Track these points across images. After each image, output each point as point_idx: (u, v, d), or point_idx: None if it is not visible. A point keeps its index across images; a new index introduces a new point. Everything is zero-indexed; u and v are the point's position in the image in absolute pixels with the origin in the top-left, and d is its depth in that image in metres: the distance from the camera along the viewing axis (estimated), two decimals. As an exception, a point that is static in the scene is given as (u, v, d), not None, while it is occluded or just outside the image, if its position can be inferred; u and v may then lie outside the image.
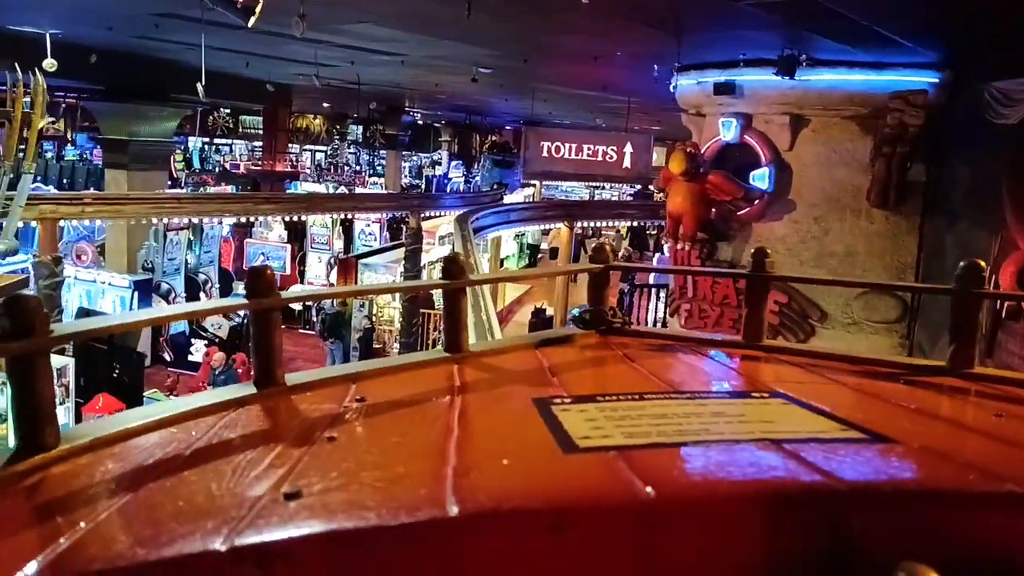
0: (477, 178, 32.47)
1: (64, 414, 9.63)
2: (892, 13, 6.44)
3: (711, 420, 1.30)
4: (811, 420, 1.32)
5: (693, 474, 1.08)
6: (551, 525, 0.92)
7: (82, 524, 0.90)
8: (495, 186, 25.71)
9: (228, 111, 39.51)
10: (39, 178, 26.25)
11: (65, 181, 26.08)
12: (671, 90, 11.11)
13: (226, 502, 0.94)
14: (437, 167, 38.67)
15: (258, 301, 1.39)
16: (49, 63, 12.08)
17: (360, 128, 33.18)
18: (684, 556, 0.97)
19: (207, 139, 42.36)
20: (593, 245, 2.27)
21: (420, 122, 33.28)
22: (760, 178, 9.34)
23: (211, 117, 42.18)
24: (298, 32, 7.25)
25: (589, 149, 14.95)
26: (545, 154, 15.10)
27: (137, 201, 11.95)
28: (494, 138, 36.73)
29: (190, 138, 38.97)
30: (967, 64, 8.03)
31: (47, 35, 11.84)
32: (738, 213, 9.58)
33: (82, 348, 10.70)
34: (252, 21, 5.77)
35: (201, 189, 18.70)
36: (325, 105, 32.41)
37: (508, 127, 37.58)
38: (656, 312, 15.07)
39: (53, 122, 27.92)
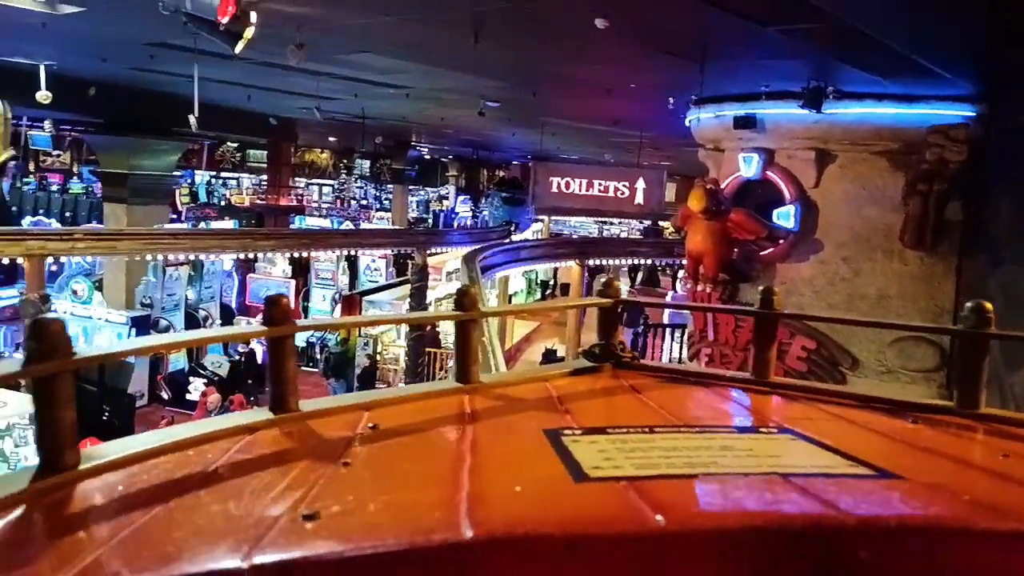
0: (485, 213, 32.01)
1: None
2: (931, 40, 5.95)
3: (720, 453, 1.31)
4: (818, 455, 1.33)
5: (702, 505, 1.10)
6: (563, 551, 0.93)
7: (103, 542, 0.92)
8: (505, 224, 24.85)
9: (236, 145, 39.53)
10: (41, 212, 26.08)
11: (68, 214, 25.81)
12: (687, 124, 10.65)
13: (245, 522, 0.97)
14: (444, 201, 38.37)
15: (275, 328, 1.42)
16: (43, 95, 11.74)
17: (367, 162, 32.95)
18: None
19: (214, 172, 42.42)
20: (602, 280, 2.26)
21: (427, 156, 33.02)
22: (784, 216, 8.80)
23: (218, 151, 42.19)
24: (295, 61, 6.82)
25: (600, 185, 14.49)
26: (555, 189, 14.64)
27: (132, 237, 11.50)
28: (502, 173, 36.04)
29: (197, 172, 39.00)
30: (1005, 96, 7.53)
31: (41, 67, 11.51)
32: (761, 253, 9.03)
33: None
34: (240, 47, 5.33)
35: (202, 224, 18.26)
36: (331, 139, 32.23)
37: (516, 162, 37.29)
38: (671, 352, 14.46)
39: (48, 153, 27.82)
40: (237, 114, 16.90)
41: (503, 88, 10.71)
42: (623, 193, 14.38)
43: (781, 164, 8.93)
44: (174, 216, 21.34)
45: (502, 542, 0.92)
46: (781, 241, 8.85)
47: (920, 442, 1.51)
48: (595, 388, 1.87)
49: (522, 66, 9.37)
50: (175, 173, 18.93)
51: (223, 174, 42.18)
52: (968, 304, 1.65)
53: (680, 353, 14.63)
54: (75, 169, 32.20)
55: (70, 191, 29.92)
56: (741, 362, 9.22)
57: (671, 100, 9.94)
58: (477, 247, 15.16)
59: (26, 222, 22.94)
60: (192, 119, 8.90)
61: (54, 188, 31.06)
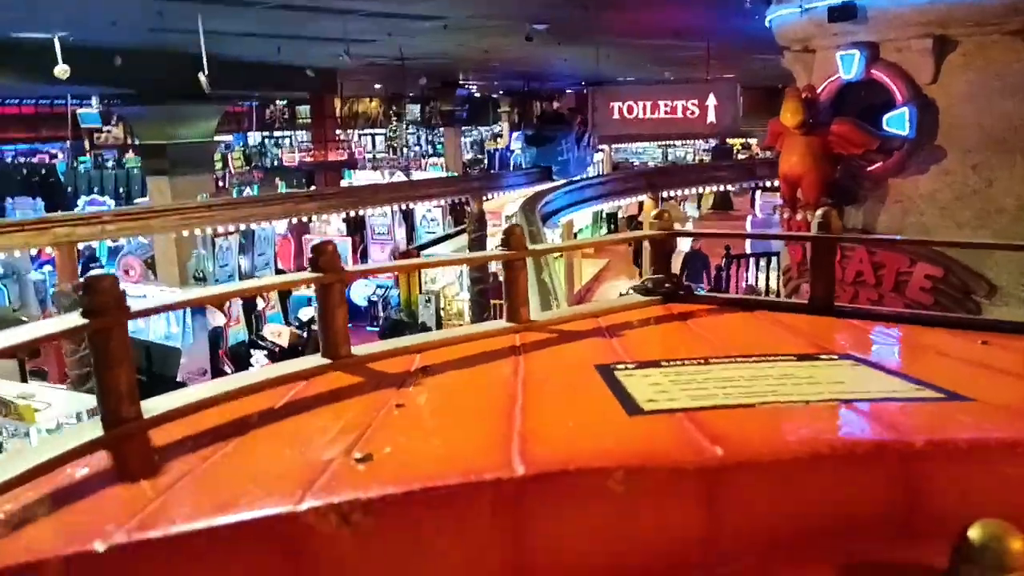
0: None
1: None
2: None
3: (779, 382, 1.28)
4: (883, 380, 1.31)
5: (762, 434, 1.06)
6: (619, 484, 0.92)
7: (163, 489, 0.95)
8: (535, 168, 19.84)
9: (284, 102, 38.84)
10: (96, 190, 25.92)
11: (121, 190, 25.59)
12: (766, 25, 9.19)
13: (299, 466, 0.97)
14: (499, 140, 37.00)
15: (323, 275, 1.43)
16: (61, 69, 10.95)
17: (417, 107, 31.80)
18: (754, 516, 0.96)
19: (267, 133, 41.97)
20: (653, 213, 2.09)
21: (477, 95, 31.64)
22: (896, 122, 7.38)
23: (268, 110, 41.63)
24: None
25: (666, 106, 13.07)
26: (616, 116, 13.28)
27: (164, 213, 10.76)
28: (543, 106, 32.86)
29: (249, 133, 38.53)
30: None
31: (55, 39, 10.72)
32: (869, 169, 7.66)
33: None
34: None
35: (246, 189, 17.56)
36: (377, 87, 31.12)
37: (570, 90, 35.55)
38: (758, 285, 13.15)
39: (99, 129, 27.47)
40: (270, 69, 16.01)
41: (550, 5, 9.40)
42: (693, 113, 12.93)
43: (889, 60, 7.45)
44: (222, 184, 20.69)
45: (555, 478, 0.92)
46: (894, 152, 7.46)
47: (991, 363, 1.46)
48: (648, 322, 1.84)
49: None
50: (216, 139, 18.20)
51: (276, 133, 41.81)
52: None
53: (769, 285, 13.33)
54: (129, 142, 32.02)
55: (125, 165, 29.72)
56: (851, 298, 7.97)
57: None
58: (536, 190, 13.98)
59: (81, 202, 22.74)
60: (203, 78, 7.95)
61: (110, 164, 30.98)
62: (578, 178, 18.12)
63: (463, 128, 32.07)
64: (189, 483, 0.97)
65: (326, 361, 1.43)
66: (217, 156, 27.45)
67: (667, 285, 1.98)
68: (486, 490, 0.90)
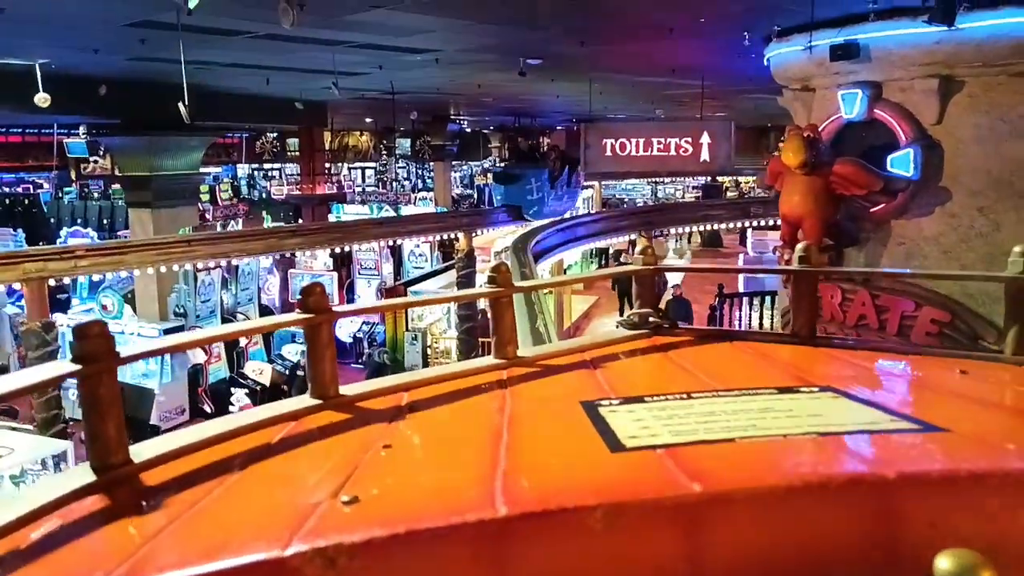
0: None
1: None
2: None
3: (759, 416, 1.28)
4: (861, 412, 1.32)
5: (739, 469, 1.07)
6: (598, 521, 0.92)
7: (152, 535, 0.96)
8: (505, 209, 17.94)
9: (275, 135, 38.68)
10: (79, 221, 25.48)
11: (105, 221, 25.18)
12: (765, 63, 9.03)
13: (288, 509, 0.98)
14: (489, 175, 36.92)
15: (311, 316, 1.46)
16: (41, 98, 10.63)
17: (408, 141, 31.68)
18: (732, 550, 0.96)
19: (256, 165, 41.71)
20: (638, 248, 2.21)
21: (468, 130, 31.57)
22: (901, 163, 7.18)
23: (258, 142, 41.42)
24: (287, 23, 5.50)
25: (659, 143, 12.88)
26: (609, 153, 13.08)
27: (139, 248, 10.37)
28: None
29: (238, 165, 38.26)
30: None
31: (36, 66, 10.44)
32: (872, 210, 7.44)
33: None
34: (193, 2, 4.02)
35: (231, 223, 17.20)
36: (368, 120, 31.02)
37: (560, 127, 35.54)
38: (753, 325, 12.88)
39: (86, 160, 27.13)
40: (258, 101, 15.74)
41: (546, 40, 9.22)
42: (686, 151, 12.75)
43: (892, 99, 7.28)
44: (209, 217, 20.32)
45: (535, 517, 0.92)
46: (898, 193, 7.23)
47: (968, 393, 1.48)
48: (634, 356, 1.85)
49: (568, 8, 7.86)
50: (203, 171, 17.88)
51: (266, 166, 41.53)
52: (1016, 248, 1.72)
53: (763, 324, 13.06)
54: (116, 173, 31.63)
55: (111, 196, 29.33)
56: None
57: (747, 36, 8.33)
58: (526, 230, 13.69)
59: (64, 233, 22.32)
60: (183, 108, 7.65)
61: (95, 196, 30.57)
62: (568, 215, 17.85)
63: (453, 163, 31.94)
64: (178, 528, 0.98)
65: (315, 401, 1.45)
66: (205, 188, 27.14)
67: (652, 319, 2.01)
68: (468, 531, 0.90)
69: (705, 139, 12.71)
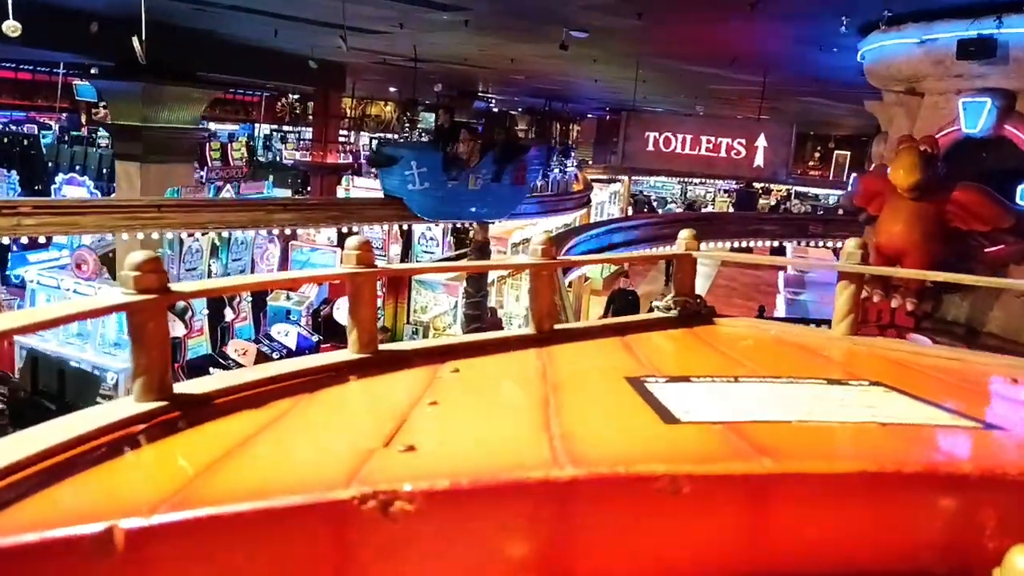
0: (556, 170, 28.51)
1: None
2: None
3: (812, 403, 1.26)
4: (917, 408, 1.29)
5: (808, 449, 1.05)
6: (665, 488, 0.91)
7: (203, 468, 0.95)
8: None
9: (296, 96, 37.28)
10: (77, 168, 24.15)
11: (105, 171, 23.77)
12: (859, 59, 7.51)
13: (341, 453, 0.99)
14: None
15: (359, 270, 1.52)
16: (10, 25, 9.24)
17: (433, 115, 30.26)
18: (799, 530, 0.94)
19: (276, 126, 40.36)
20: (683, 233, 2.18)
21: (495, 109, 30.07)
22: (1036, 195, 5.69)
23: (279, 103, 39.99)
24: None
25: (709, 142, 11.39)
26: (651, 147, 11.61)
27: (100, 210, 8.98)
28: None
29: (256, 125, 36.90)
30: None
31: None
32: (988, 251, 5.95)
33: (20, 410, 7.85)
34: None
35: (227, 187, 15.85)
36: (392, 90, 29.51)
37: (591, 115, 33.94)
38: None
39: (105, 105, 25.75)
40: (268, 55, 14.32)
41: (596, 9, 7.71)
42: (738, 153, 11.26)
43: (1031, 114, 5.81)
44: (202, 174, 18.90)
45: (604, 480, 0.91)
46: (1029, 233, 5.74)
47: (1020, 394, 1.45)
48: (672, 339, 1.88)
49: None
50: (212, 127, 16.50)
51: (284, 128, 40.17)
52: None
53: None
54: (108, 120, 30.23)
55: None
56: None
57: (845, 21, 6.80)
58: (554, 223, 12.19)
59: (59, 180, 21.04)
60: (136, 43, 6.22)
61: (101, 144, 29.21)
62: (605, 219, 16.29)
63: (477, 143, 30.43)
64: (229, 464, 0.97)
65: (356, 356, 1.50)
66: (216, 146, 25.72)
67: (689, 304, 2.02)
68: (534, 489, 0.89)
69: (761, 142, 11.21)
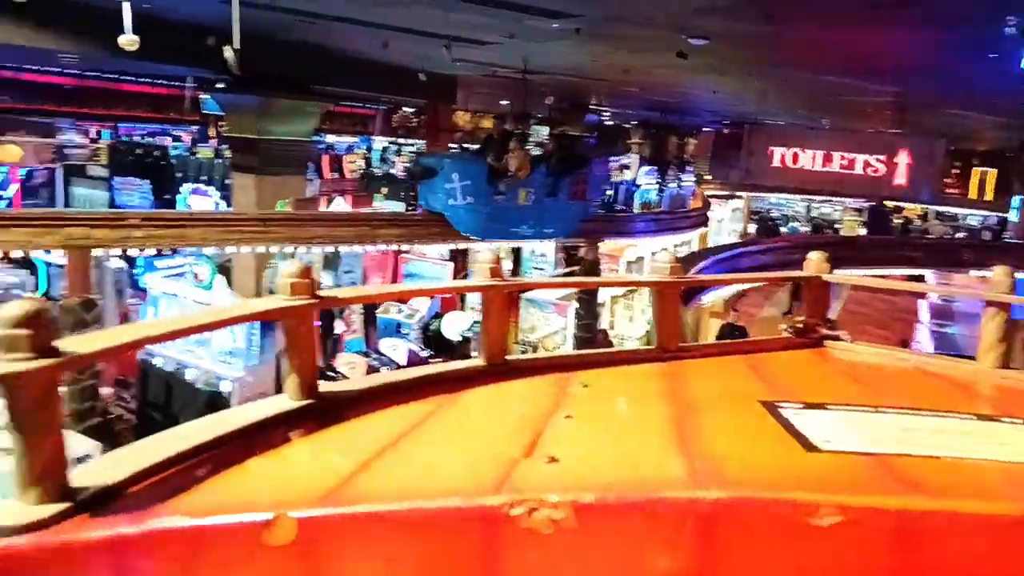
0: (672, 185, 27.50)
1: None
2: None
3: (961, 438, 1.20)
4: None
5: (963, 488, 1.00)
6: (813, 516, 0.90)
7: (360, 467, 1.03)
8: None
9: (413, 110, 37.86)
10: (203, 179, 25.16)
11: (227, 182, 24.64)
12: (1021, 67, 6.56)
13: (489, 460, 1.05)
14: (626, 171, 34.63)
15: (491, 283, 1.65)
16: (127, 40, 9.46)
17: (546, 129, 30.00)
18: (947, 570, 0.90)
19: (392, 139, 41.15)
20: (813, 255, 2.13)
21: (608, 123, 29.47)
22: None
23: (395, 116, 40.75)
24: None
25: (843, 158, 10.45)
26: (777, 163, 10.77)
27: (206, 223, 9.00)
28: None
29: (374, 137, 37.70)
30: None
31: (126, 4, 9.27)
32: None
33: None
34: None
35: (332, 200, 15.99)
36: (504, 103, 29.40)
37: (707, 128, 32.77)
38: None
39: (222, 117, 26.82)
40: (377, 68, 14.33)
41: (720, 9, 7.06)
42: (876, 170, 10.28)
43: None
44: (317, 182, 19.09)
45: (748, 504, 0.90)
46: None
47: None
48: (802, 363, 1.88)
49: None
50: (315, 139, 16.73)
51: (400, 141, 40.87)
52: None
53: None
54: (225, 133, 31.44)
55: (238, 156, 29.06)
56: None
57: (1010, 21, 5.91)
58: (671, 242, 11.48)
59: (185, 190, 21.92)
60: (229, 53, 6.06)
61: (228, 154, 30.45)
62: (730, 243, 15.36)
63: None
64: (380, 464, 1.05)
65: (485, 364, 1.62)
66: (332, 158, 26.26)
67: (820, 329, 2.03)
68: (677, 507, 0.91)
69: (903, 158, 10.20)
